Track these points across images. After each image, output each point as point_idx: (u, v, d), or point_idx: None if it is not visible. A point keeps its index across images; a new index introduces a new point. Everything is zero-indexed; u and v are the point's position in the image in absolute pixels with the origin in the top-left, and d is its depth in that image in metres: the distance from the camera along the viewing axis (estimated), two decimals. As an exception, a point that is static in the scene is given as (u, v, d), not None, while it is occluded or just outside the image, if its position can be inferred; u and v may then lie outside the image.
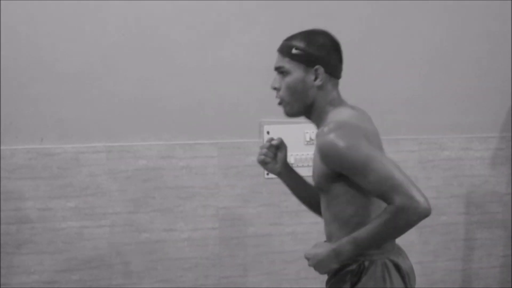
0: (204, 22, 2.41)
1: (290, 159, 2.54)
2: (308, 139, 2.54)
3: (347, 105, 1.53)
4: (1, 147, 2.31)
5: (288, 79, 1.47)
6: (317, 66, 1.45)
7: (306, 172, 2.59)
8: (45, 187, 2.36)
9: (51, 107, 2.34)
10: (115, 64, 2.36)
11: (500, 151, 2.76)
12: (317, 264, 1.44)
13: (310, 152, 2.55)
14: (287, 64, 1.47)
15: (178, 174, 2.48)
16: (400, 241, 2.70)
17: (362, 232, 1.35)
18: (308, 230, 2.53)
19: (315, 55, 1.45)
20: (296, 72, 1.46)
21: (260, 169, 1.88)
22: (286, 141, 2.55)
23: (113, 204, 2.42)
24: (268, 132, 2.51)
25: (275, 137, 1.66)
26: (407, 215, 1.32)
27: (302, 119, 2.53)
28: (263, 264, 2.58)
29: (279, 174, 1.67)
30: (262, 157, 1.63)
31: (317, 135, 1.41)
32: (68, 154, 2.37)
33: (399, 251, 1.55)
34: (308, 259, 1.46)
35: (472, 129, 2.73)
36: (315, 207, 1.67)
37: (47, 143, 2.36)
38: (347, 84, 2.58)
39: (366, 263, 1.44)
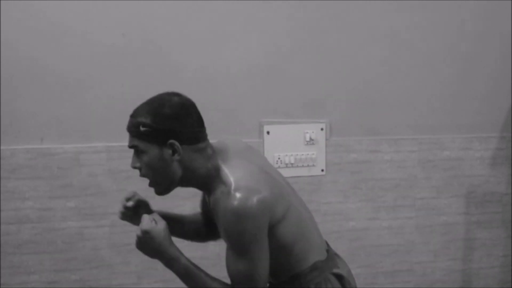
0: (204, 23, 2.41)
1: (290, 159, 2.54)
2: (308, 139, 2.54)
3: (232, 161, 1.40)
4: (1, 147, 2.32)
5: (146, 158, 1.35)
6: (170, 141, 1.32)
7: (305, 172, 2.62)
8: (45, 187, 2.37)
9: (51, 107, 2.34)
10: (115, 64, 2.36)
11: (500, 151, 2.77)
12: (145, 247, 1.40)
13: (310, 152, 2.56)
14: (139, 143, 1.34)
15: (178, 174, 2.47)
16: (400, 241, 2.72)
17: (199, 278, 1.41)
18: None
19: (165, 130, 1.31)
20: (151, 151, 1.33)
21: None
22: (286, 141, 2.57)
23: (113, 204, 2.42)
24: (268, 132, 2.51)
25: (131, 199, 1.52)
26: None
27: (302, 118, 2.54)
28: (263, 264, 2.57)
29: None
30: (120, 214, 1.53)
31: (220, 197, 1.33)
32: (68, 154, 2.37)
33: (336, 258, 1.57)
34: (146, 232, 1.36)
35: (472, 129, 2.73)
36: (202, 236, 1.72)
37: (47, 143, 2.36)
38: (347, 84, 2.59)
39: (312, 287, 1.45)
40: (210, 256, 2.52)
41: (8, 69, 2.28)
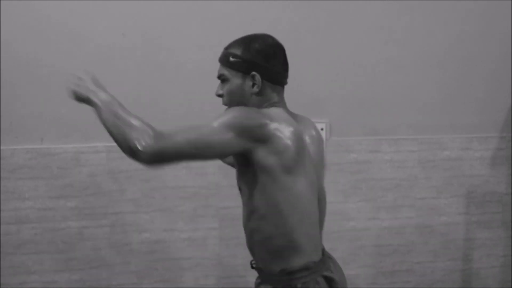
0: (204, 22, 2.41)
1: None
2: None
3: (284, 108, 1.51)
4: (1, 147, 2.32)
5: (228, 86, 1.49)
6: (253, 73, 1.45)
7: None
8: (45, 187, 2.36)
9: (51, 107, 2.34)
10: (115, 64, 2.36)
11: (500, 151, 2.77)
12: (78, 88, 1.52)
13: (310, 152, 2.56)
14: (226, 72, 1.49)
15: (178, 174, 2.48)
16: (400, 240, 2.72)
17: (118, 109, 1.48)
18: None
19: (251, 62, 1.45)
20: (235, 80, 1.48)
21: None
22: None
23: (113, 204, 2.42)
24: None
25: None
26: (134, 143, 1.42)
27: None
28: (263, 264, 2.57)
29: None
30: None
31: None
32: (68, 154, 2.37)
33: (330, 261, 1.56)
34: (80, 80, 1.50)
35: (472, 129, 2.73)
36: None
37: (47, 143, 2.36)
38: (347, 84, 2.60)
39: (299, 286, 1.44)
40: (210, 256, 2.52)
41: (8, 69, 2.28)
